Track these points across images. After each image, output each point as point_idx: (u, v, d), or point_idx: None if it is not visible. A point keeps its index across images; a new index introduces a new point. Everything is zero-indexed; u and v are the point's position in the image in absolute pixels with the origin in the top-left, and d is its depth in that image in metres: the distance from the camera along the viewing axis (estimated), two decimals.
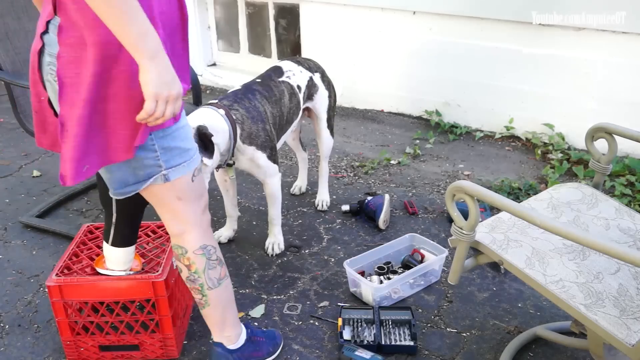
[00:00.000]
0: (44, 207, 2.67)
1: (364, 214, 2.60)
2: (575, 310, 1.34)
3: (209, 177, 1.98)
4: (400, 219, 2.63)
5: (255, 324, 2.00)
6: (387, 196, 2.55)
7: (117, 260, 1.74)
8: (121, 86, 1.26)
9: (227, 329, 1.70)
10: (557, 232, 1.24)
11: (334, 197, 2.81)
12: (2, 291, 2.17)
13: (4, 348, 1.91)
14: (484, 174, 3.04)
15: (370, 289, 2.01)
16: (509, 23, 3.23)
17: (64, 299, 1.76)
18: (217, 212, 2.65)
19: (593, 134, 1.74)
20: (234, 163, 2.15)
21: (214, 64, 4.56)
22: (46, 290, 2.16)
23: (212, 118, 1.98)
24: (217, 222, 2.58)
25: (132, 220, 1.71)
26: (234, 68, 4.46)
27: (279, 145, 2.28)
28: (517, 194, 2.80)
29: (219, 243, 2.38)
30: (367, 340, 1.87)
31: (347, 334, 1.91)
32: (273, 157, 2.18)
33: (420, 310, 2.06)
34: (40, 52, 1.27)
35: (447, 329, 1.97)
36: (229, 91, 2.21)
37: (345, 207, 2.65)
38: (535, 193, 2.77)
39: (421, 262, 2.21)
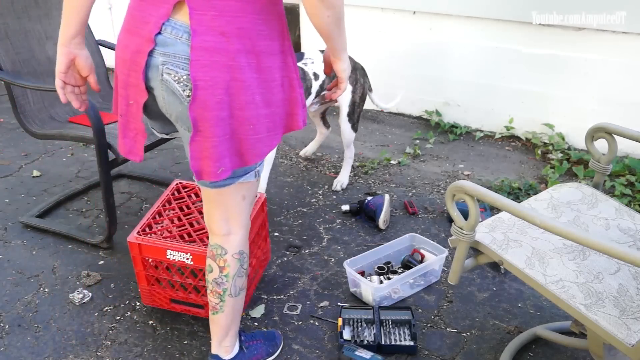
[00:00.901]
0: (44, 207, 2.67)
1: (364, 214, 2.60)
2: (575, 310, 1.34)
3: None
4: (400, 219, 2.63)
5: (256, 324, 2.00)
6: (387, 196, 2.55)
7: None
8: (267, 93, 1.36)
9: (227, 339, 1.69)
10: (557, 232, 1.24)
11: (334, 197, 2.81)
12: (2, 291, 2.17)
13: (4, 348, 1.91)
14: (484, 174, 3.04)
15: (370, 289, 2.01)
16: (509, 23, 3.23)
17: (142, 255, 1.92)
18: None
19: (593, 134, 1.75)
20: None
21: None
22: (46, 290, 2.17)
23: None
24: None
25: None
26: None
27: None
28: (517, 194, 2.80)
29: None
30: (367, 340, 1.87)
31: (347, 334, 1.91)
32: None
33: (420, 310, 2.06)
34: (150, 53, 1.30)
35: (447, 329, 1.97)
36: None
37: (345, 207, 2.65)
38: (535, 193, 2.77)
39: (421, 262, 2.21)
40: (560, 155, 3.13)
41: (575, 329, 1.69)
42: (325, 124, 3.09)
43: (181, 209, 2.04)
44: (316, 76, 2.52)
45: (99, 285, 2.20)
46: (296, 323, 2.00)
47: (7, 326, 2.00)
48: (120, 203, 2.75)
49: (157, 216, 2.02)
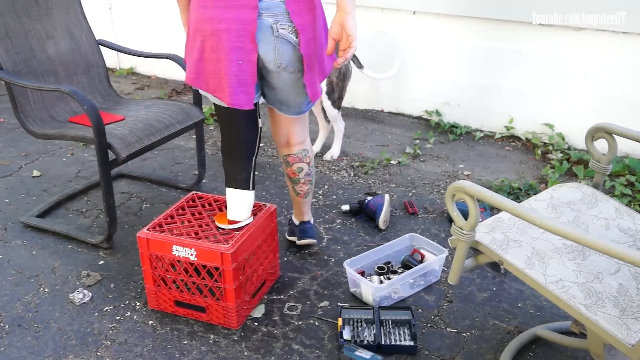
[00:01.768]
0: (44, 207, 2.67)
1: (364, 214, 2.60)
2: (575, 310, 1.34)
3: None
4: (400, 219, 2.63)
5: (256, 324, 2.00)
6: (387, 196, 2.55)
7: (244, 204, 2.00)
8: (321, 28, 1.84)
9: (310, 211, 2.30)
10: (557, 232, 1.24)
11: (334, 197, 2.81)
12: (2, 291, 2.17)
13: (4, 348, 1.91)
14: (484, 174, 3.04)
15: (370, 289, 2.01)
16: (509, 23, 3.23)
17: (150, 251, 1.96)
18: None
19: (593, 134, 1.75)
20: None
21: None
22: (46, 290, 2.17)
23: None
24: None
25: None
26: None
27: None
28: (517, 194, 2.80)
29: None
30: (367, 340, 1.87)
31: (347, 334, 1.91)
32: None
33: (420, 310, 2.06)
34: (258, 18, 1.70)
35: (447, 329, 1.97)
36: None
37: (345, 207, 2.65)
38: (535, 193, 2.77)
39: (421, 262, 2.21)
40: (560, 155, 3.13)
41: (575, 329, 1.69)
42: (326, 117, 3.14)
43: (193, 215, 2.10)
44: None
45: (99, 285, 2.20)
46: (296, 323, 2.00)
47: (7, 326, 2.00)
48: (120, 203, 2.75)
49: (169, 218, 2.06)
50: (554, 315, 2.02)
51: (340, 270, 2.26)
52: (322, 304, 2.09)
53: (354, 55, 2.98)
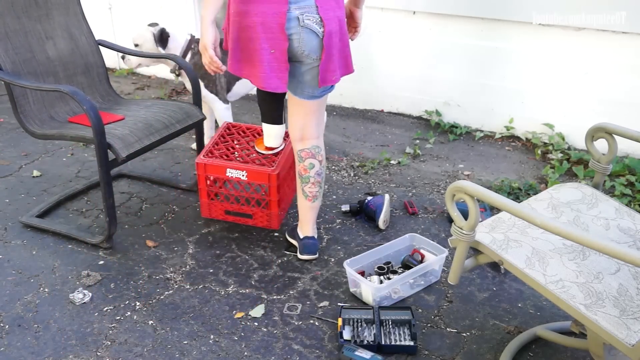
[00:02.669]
0: (44, 207, 2.67)
1: (364, 214, 2.60)
2: (575, 310, 1.34)
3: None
4: (400, 219, 2.63)
5: (256, 324, 2.00)
6: (387, 196, 2.55)
7: (277, 135, 2.44)
8: (343, 22, 2.05)
9: (314, 224, 2.34)
10: (557, 232, 1.24)
11: (334, 197, 2.81)
12: (2, 291, 2.17)
13: (4, 348, 1.91)
14: (484, 174, 3.04)
15: (370, 289, 2.01)
16: (509, 23, 3.23)
17: (206, 173, 2.44)
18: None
19: (593, 134, 1.75)
20: None
21: None
22: (46, 290, 2.17)
23: None
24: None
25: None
26: None
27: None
28: (517, 194, 2.80)
29: None
30: (367, 340, 1.87)
31: (347, 334, 1.91)
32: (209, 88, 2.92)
33: (420, 310, 2.06)
34: (287, 11, 1.91)
35: (447, 329, 1.97)
36: None
37: (345, 207, 2.65)
38: (535, 193, 2.77)
39: (421, 262, 2.21)
40: (560, 155, 3.13)
41: (575, 329, 1.69)
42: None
43: (234, 140, 2.60)
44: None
45: (99, 285, 2.20)
46: (296, 323, 2.00)
47: (7, 326, 2.00)
48: (120, 203, 2.75)
49: (215, 145, 2.54)
50: (554, 315, 2.02)
51: (340, 270, 2.26)
52: (322, 304, 2.09)
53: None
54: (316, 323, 2.01)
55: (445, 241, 2.44)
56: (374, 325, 1.93)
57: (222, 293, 2.15)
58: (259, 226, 2.52)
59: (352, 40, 2.19)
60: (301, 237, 2.33)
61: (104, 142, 2.20)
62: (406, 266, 2.20)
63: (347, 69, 2.13)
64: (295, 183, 2.57)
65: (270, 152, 2.49)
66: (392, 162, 3.17)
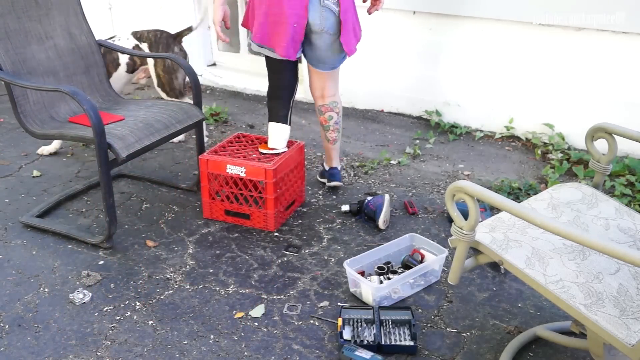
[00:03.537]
0: (44, 207, 2.67)
1: (364, 214, 2.60)
2: (575, 310, 1.34)
3: None
4: (400, 219, 2.63)
5: (256, 324, 2.00)
6: (387, 196, 2.55)
7: (282, 136, 2.57)
8: (353, 3, 2.45)
9: (337, 157, 2.82)
10: (557, 232, 1.24)
11: (334, 197, 2.81)
12: (2, 291, 2.17)
13: (4, 348, 1.91)
14: (484, 174, 3.04)
15: (370, 289, 2.02)
16: (509, 23, 3.23)
17: (208, 170, 2.53)
18: None
19: (593, 134, 1.75)
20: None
21: (214, 64, 4.56)
22: (46, 290, 2.17)
23: None
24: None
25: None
26: (234, 68, 4.46)
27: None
28: (517, 194, 2.80)
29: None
30: (367, 340, 1.88)
31: (347, 334, 1.91)
32: None
33: (420, 310, 2.06)
34: None
35: (447, 329, 1.97)
36: None
37: (345, 207, 2.65)
38: (535, 193, 2.77)
39: (421, 262, 2.21)
40: (560, 155, 3.13)
41: (575, 329, 1.69)
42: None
43: (239, 148, 2.67)
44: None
45: (99, 285, 2.20)
46: (296, 323, 2.00)
47: (7, 326, 2.00)
48: (120, 203, 2.75)
49: (222, 148, 2.62)
50: (554, 315, 2.02)
51: (340, 270, 2.27)
52: (322, 304, 2.09)
53: (184, 51, 3.26)
54: (316, 323, 2.01)
55: (445, 241, 2.44)
56: (374, 325, 1.93)
57: (222, 293, 2.15)
58: (256, 227, 2.55)
59: (369, 14, 2.59)
60: (327, 168, 2.83)
61: (104, 142, 2.20)
62: (406, 266, 2.21)
63: (357, 38, 2.52)
64: (294, 187, 2.67)
65: (273, 151, 2.56)
66: (392, 162, 3.17)
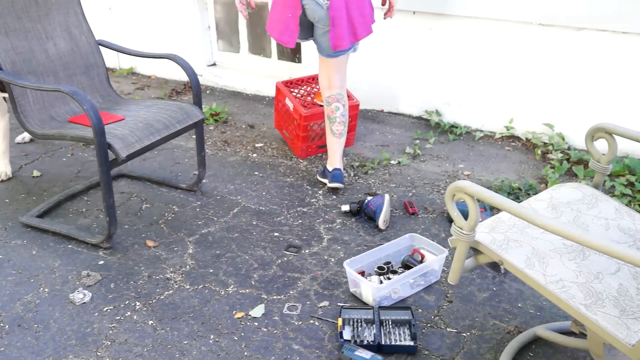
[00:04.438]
0: (44, 207, 2.67)
1: (364, 214, 2.60)
2: (575, 310, 1.34)
3: None
4: (400, 219, 2.63)
5: (256, 324, 2.00)
6: (387, 196, 2.55)
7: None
8: (356, 1, 2.57)
9: (341, 157, 2.87)
10: (557, 232, 1.24)
11: (334, 197, 2.81)
12: (2, 291, 2.17)
13: (4, 348, 1.91)
14: (484, 174, 3.04)
15: (370, 289, 2.02)
16: (508, 23, 3.23)
17: (304, 122, 3.05)
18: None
19: (593, 134, 1.75)
20: None
21: (214, 64, 4.56)
22: (46, 290, 2.17)
23: None
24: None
25: None
26: (234, 68, 4.46)
27: None
28: (517, 194, 2.80)
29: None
30: (367, 340, 1.88)
31: (347, 334, 1.91)
32: None
33: (420, 310, 2.06)
34: None
35: (447, 329, 1.97)
36: None
37: (345, 207, 2.65)
38: (535, 193, 2.77)
39: (421, 262, 2.21)
40: (560, 155, 3.13)
41: (575, 329, 1.69)
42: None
43: (298, 92, 3.32)
44: None
45: (99, 285, 2.20)
46: (296, 323, 2.00)
47: (7, 326, 2.00)
48: (120, 203, 2.76)
49: (296, 97, 3.19)
50: (554, 315, 2.02)
51: (340, 270, 2.27)
52: (322, 304, 2.09)
53: None
54: (316, 323, 2.01)
55: (445, 241, 2.44)
56: (374, 325, 1.93)
57: (222, 293, 2.15)
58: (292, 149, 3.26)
59: (384, 19, 2.75)
60: (330, 169, 2.83)
61: (104, 142, 2.20)
62: (406, 266, 2.21)
63: (355, 36, 2.60)
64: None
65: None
66: (392, 162, 3.17)
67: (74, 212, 2.69)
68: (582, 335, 1.69)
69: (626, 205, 2.40)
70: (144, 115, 2.48)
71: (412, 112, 3.77)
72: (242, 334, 1.95)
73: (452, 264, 1.55)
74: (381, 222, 2.50)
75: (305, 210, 2.70)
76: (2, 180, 2.95)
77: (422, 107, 3.70)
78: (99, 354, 1.88)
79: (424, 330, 1.96)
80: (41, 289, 2.19)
